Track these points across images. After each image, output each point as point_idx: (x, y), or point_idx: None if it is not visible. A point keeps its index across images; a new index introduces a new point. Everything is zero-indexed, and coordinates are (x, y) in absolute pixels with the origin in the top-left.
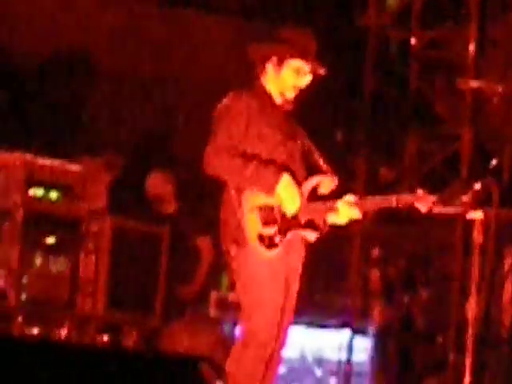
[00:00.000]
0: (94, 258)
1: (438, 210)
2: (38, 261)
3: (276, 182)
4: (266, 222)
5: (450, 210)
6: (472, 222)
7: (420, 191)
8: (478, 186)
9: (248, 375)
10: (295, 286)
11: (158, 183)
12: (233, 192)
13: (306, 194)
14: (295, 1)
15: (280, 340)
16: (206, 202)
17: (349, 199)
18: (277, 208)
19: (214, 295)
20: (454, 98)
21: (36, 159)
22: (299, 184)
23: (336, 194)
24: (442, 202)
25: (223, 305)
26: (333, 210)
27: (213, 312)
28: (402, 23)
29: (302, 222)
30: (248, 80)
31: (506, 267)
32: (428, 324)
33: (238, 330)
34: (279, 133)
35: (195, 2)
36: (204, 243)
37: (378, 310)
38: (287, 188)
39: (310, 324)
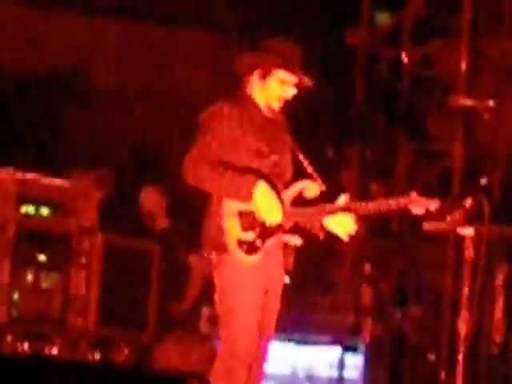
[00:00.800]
0: (85, 274)
1: (427, 226)
2: (29, 277)
3: (251, 188)
4: (246, 228)
5: (441, 226)
6: (463, 238)
7: (414, 194)
8: (469, 202)
9: None
10: (275, 298)
11: (149, 198)
12: (214, 198)
13: (289, 200)
14: (285, 17)
15: (261, 354)
16: (198, 218)
17: (343, 200)
18: (257, 213)
19: (205, 311)
20: (445, 114)
21: (27, 175)
22: (278, 192)
23: (324, 200)
24: (432, 216)
25: (215, 321)
26: (325, 212)
27: (204, 328)
28: (393, 40)
29: (287, 227)
30: (235, 91)
31: (498, 283)
32: (419, 341)
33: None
34: (264, 144)
35: (180, 18)
36: (196, 260)
37: (369, 327)
38: (264, 196)
39: (301, 341)
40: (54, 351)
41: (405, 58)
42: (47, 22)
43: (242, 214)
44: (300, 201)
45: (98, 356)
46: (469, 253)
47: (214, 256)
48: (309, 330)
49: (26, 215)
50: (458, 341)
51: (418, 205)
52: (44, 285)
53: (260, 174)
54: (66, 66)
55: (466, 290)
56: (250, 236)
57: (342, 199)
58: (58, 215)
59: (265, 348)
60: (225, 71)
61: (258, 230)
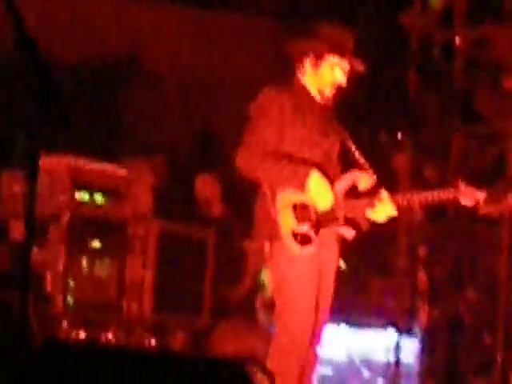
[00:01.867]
0: (140, 261)
1: (483, 210)
2: (84, 264)
3: (306, 178)
4: (300, 220)
5: (495, 209)
6: None
7: (462, 185)
8: None
9: (286, 372)
10: (329, 283)
11: (205, 185)
12: (267, 190)
13: (342, 191)
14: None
15: (315, 337)
16: (252, 205)
17: (383, 195)
18: (311, 205)
19: (261, 297)
20: (500, 97)
21: (81, 163)
22: (332, 182)
23: (378, 191)
24: (488, 200)
25: (270, 306)
26: (370, 205)
27: (260, 314)
28: (446, 22)
29: (340, 219)
30: (287, 77)
31: None
32: (476, 324)
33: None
34: (316, 132)
35: (230, 4)
36: (251, 246)
37: (424, 310)
38: (317, 184)
39: (357, 325)
40: (110, 338)
41: (458, 40)
42: (103, 8)
43: (296, 206)
44: (352, 192)
45: (153, 342)
46: None
47: (267, 247)
48: (364, 313)
49: (81, 202)
50: None
51: (467, 196)
52: (99, 272)
53: (313, 163)
54: (123, 51)
55: None
56: (304, 228)
57: (383, 193)
58: (113, 202)
59: (320, 332)
60: (279, 58)
61: (311, 221)
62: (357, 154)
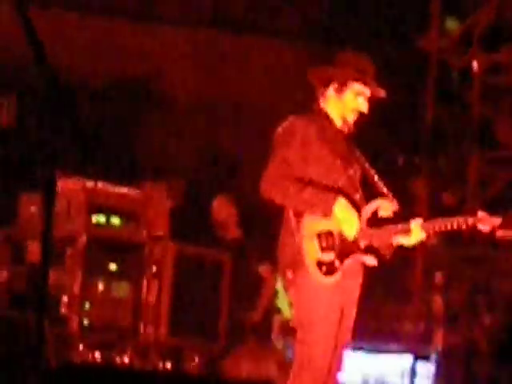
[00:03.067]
0: (156, 283)
1: (500, 234)
2: (101, 286)
3: (332, 205)
4: (325, 248)
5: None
6: None
7: (481, 213)
8: None
9: None
10: (352, 311)
11: (222, 208)
12: (291, 217)
13: (365, 219)
14: (357, 24)
15: (336, 364)
16: (269, 228)
17: (417, 220)
18: (336, 233)
19: (276, 321)
20: None
21: (97, 185)
22: (358, 209)
23: (399, 219)
24: (505, 225)
25: (286, 331)
26: (405, 232)
27: (275, 338)
28: (463, 47)
29: (362, 246)
30: (308, 103)
31: None
32: (492, 350)
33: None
34: (339, 158)
35: (254, 26)
36: (266, 270)
37: (440, 335)
38: (344, 211)
39: (373, 349)
40: (126, 360)
41: (475, 65)
42: (124, 30)
43: (320, 235)
44: (373, 219)
45: (169, 365)
46: None
47: (290, 274)
48: (380, 338)
49: (97, 225)
50: None
51: (485, 223)
52: (115, 294)
53: (339, 190)
54: (141, 75)
55: None
56: (329, 257)
57: (416, 221)
58: (129, 224)
59: (340, 358)
60: (300, 84)
61: (336, 250)
62: (377, 180)
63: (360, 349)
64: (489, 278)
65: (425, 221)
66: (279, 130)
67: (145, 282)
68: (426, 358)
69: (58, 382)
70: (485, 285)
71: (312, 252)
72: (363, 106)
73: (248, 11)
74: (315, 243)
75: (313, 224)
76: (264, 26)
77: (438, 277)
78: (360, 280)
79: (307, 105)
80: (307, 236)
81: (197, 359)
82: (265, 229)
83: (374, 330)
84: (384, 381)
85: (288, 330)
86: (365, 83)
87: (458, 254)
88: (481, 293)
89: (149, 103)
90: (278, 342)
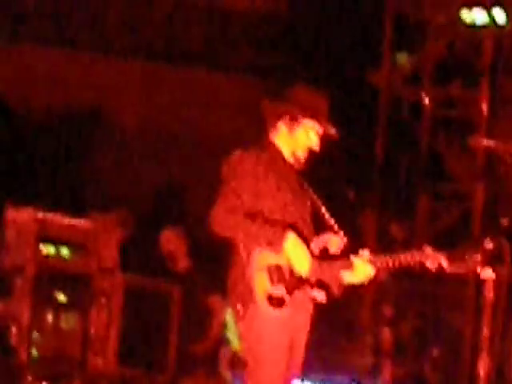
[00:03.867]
0: (105, 314)
1: (450, 268)
2: (50, 317)
3: (282, 239)
4: (275, 282)
5: (461, 268)
6: (484, 280)
7: (427, 248)
8: (489, 244)
9: None
10: (301, 346)
11: (171, 239)
12: (241, 251)
13: (315, 253)
14: (307, 60)
15: None
16: (218, 259)
17: (364, 255)
18: (285, 267)
19: (225, 353)
20: (466, 156)
21: (47, 216)
22: (308, 243)
23: (347, 253)
24: (452, 260)
25: (235, 362)
26: (348, 267)
27: (224, 369)
28: (414, 82)
29: (312, 281)
30: (258, 136)
31: None
32: (440, 382)
33: None
34: (289, 191)
35: (206, 60)
36: (216, 301)
37: (388, 369)
38: (294, 247)
39: (322, 381)
40: None
41: (425, 100)
42: (72, 61)
43: (270, 268)
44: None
45: None
46: (489, 294)
47: (240, 308)
48: (329, 370)
49: (47, 255)
50: (478, 382)
51: (432, 259)
52: (64, 325)
53: (290, 225)
54: (88, 104)
55: (486, 332)
56: (279, 290)
57: (364, 252)
58: (78, 255)
59: None
60: (248, 115)
61: (286, 283)
62: (327, 215)
63: (309, 381)
64: (437, 311)
65: (372, 254)
66: (227, 163)
67: (94, 313)
68: None
69: None
70: (433, 318)
71: (262, 285)
72: (314, 143)
73: (203, 45)
74: (265, 276)
75: (263, 257)
76: (215, 59)
77: (387, 309)
78: (309, 315)
79: (258, 138)
80: (257, 269)
81: None
82: (214, 259)
83: (322, 362)
84: None
85: (237, 362)
86: (316, 120)
87: (406, 288)
88: (429, 325)
89: (96, 133)
90: (226, 374)
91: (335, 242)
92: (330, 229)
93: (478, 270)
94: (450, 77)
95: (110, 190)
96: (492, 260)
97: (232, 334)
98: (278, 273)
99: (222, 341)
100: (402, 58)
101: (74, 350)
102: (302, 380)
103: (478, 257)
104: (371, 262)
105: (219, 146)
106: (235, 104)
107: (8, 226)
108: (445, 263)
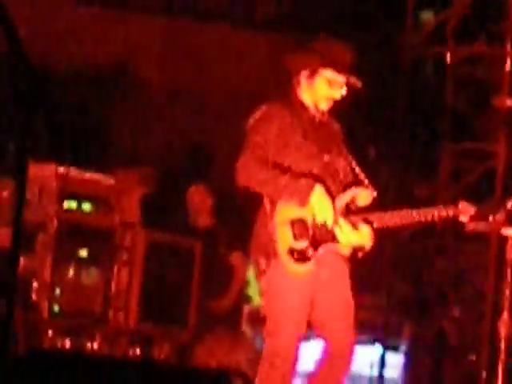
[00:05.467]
0: (126, 270)
1: (471, 226)
2: (71, 273)
3: (309, 192)
4: (298, 236)
5: (483, 226)
6: (505, 239)
7: (463, 203)
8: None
9: None
10: (325, 301)
11: (198, 196)
12: (267, 204)
13: (341, 208)
14: (332, 14)
15: (345, 358)
16: (241, 216)
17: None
18: (309, 221)
19: (246, 309)
20: (490, 115)
21: (69, 171)
22: (333, 197)
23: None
24: (478, 217)
25: (256, 319)
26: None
27: (245, 326)
28: (438, 41)
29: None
30: (284, 92)
31: None
32: (460, 341)
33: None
34: (314, 145)
35: (229, 16)
36: (237, 258)
37: (409, 326)
38: (319, 199)
39: None
40: (95, 347)
41: (448, 58)
42: (94, 19)
43: (293, 223)
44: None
45: (138, 352)
46: (510, 253)
47: (263, 262)
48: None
49: (68, 210)
50: (499, 341)
51: (466, 213)
52: (85, 280)
53: (315, 177)
54: (112, 61)
55: (507, 292)
56: (301, 245)
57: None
58: (100, 211)
59: (350, 353)
60: (275, 71)
61: (309, 238)
62: (357, 169)
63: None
64: (458, 270)
65: (399, 210)
66: (253, 116)
67: (115, 269)
68: (395, 348)
69: (27, 368)
70: (455, 277)
71: (285, 239)
72: (336, 94)
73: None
74: (288, 230)
75: (286, 211)
76: (239, 15)
77: (408, 268)
78: (340, 270)
79: (282, 93)
80: (280, 223)
81: (167, 346)
82: (237, 217)
83: None
84: (353, 371)
85: (258, 319)
86: (336, 71)
87: (427, 245)
88: (450, 285)
89: (121, 90)
90: (248, 331)
91: (364, 195)
92: (359, 183)
93: (501, 228)
94: (474, 35)
95: (134, 146)
96: None
97: (253, 291)
98: (301, 227)
99: (244, 298)
100: (427, 16)
101: (95, 305)
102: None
103: (501, 216)
104: (404, 216)
105: (244, 103)
106: (260, 60)
107: (30, 182)
108: (474, 219)
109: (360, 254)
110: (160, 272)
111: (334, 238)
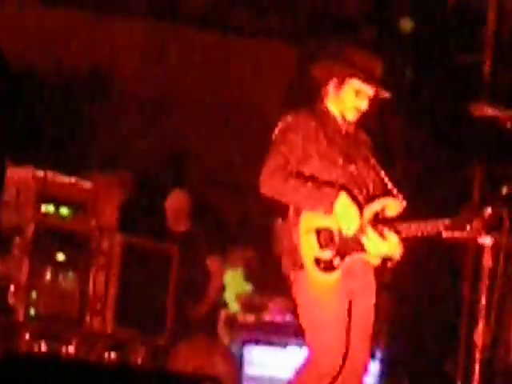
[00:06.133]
0: (103, 274)
1: (448, 234)
2: (48, 277)
3: (333, 200)
4: (324, 245)
5: (460, 234)
6: (482, 247)
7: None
8: (488, 211)
9: None
10: (364, 311)
11: (177, 200)
12: (291, 213)
13: (369, 217)
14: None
15: (363, 368)
16: (218, 221)
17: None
18: (335, 230)
19: (223, 314)
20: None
21: (47, 175)
22: (359, 206)
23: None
24: (454, 227)
25: (232, 324)
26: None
27: (222, 331)
28: None
29: (364, 244)
30: (272, 100)
31: None
32: (437, 350)
33: (246, 350)
34: (340, 155)
35: (211, 21)
36: (214, 263)
37: (385, 334)
38: (344, 208)
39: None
40: (71, 350)
41: None
42: (72, 21)
43: (319, 231)
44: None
45: (114, 356)
46: (487, 261)
47: (291, 274)
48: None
49: (46, 214)
50: (474, 351)
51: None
52: (62, 284)
53: (340, 186)
54: (94, 66)
55: (483, 300)
56: (327, 254)
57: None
58: (78, 215)
59: (365, 364)
60: (260, 79)
61: (335, 247)
62: (386, 179)
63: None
64: (436, 278)
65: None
66: (280, 125)
67: (92, 273)
68: (371, 356)
69: (2, 371)
70: (430, 285)
71: (310, 249)
72: (363, 105)
73: (231, 10)
74: (313, 240)
75: (311, 220)
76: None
77: (386, 276)
78: (366, 285)
79: (309, 103)
80: (305, 232)
81: (143, 351)
82: (214, 222)
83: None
84: None
85: (234, 324)
86: (365, 81)
87: (403, 255)
88: (426, 293)
89: (99, 94)
90: (224, 336)
91: (393, 205)
92: (388, 193)
93: (478, 236)
94: None
95: (113, 150)
96: (491, 227)
97: (230, 297)
98: (327, 236)
99: (220, 303)
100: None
101: (72, 309)
102: (297, 345)
103: (478, 223)
104: (401, 230)
105: (223, 110)
106: (242, 67)
107: (8, 185)
108: (448, 230)
109: (389, 264)
110: (137, 276)
111: (361, 248)
